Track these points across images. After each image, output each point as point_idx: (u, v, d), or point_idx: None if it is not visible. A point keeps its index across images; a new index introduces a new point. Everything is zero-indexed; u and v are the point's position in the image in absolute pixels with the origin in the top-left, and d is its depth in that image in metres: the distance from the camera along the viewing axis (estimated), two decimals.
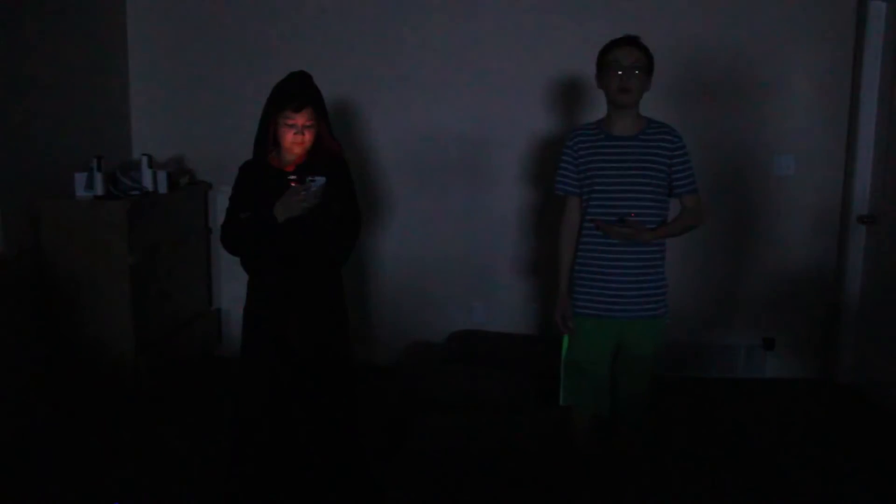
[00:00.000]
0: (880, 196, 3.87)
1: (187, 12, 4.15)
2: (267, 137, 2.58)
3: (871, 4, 3.82)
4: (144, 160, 3.81)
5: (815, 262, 4.12)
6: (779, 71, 3.98)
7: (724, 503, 2.90)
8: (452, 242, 4.19)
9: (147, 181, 3.80)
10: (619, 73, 2.51)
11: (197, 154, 4.27)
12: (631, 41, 2.56)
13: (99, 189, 3.57)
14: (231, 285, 4.32)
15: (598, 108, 3.93)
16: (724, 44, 3.97)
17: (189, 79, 4.20)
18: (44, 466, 3.08)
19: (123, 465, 3.08)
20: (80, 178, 3.58)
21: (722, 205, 4.05)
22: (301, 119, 2.51)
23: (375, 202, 4.16)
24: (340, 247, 2.70)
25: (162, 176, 3.87)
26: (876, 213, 3.90)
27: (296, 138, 2.53)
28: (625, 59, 2.51)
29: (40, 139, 3.56)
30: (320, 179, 2.45)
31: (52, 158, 3.62)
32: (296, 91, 2.53)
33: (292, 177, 2.53)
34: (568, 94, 4.02)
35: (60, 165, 3.63)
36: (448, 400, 3.26)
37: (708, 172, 3.88)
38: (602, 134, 2.62)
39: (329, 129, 2.66)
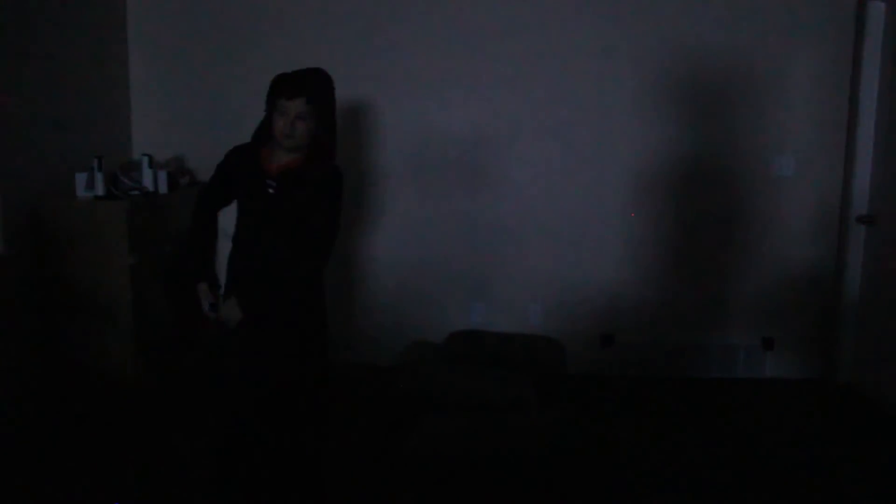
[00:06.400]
0: (880, 196, 3.87)
1: (187, 12, 4.15)
2: (265, 127, 2.50)
3: (870, 4, 3.82)
4: (145, 160, 3.82)
5: (814, 262, 4.12)
6: (779, 71, 3.98)
7: (724, 503, 2.90)
8: (452, 242, 4.19)
9: (147, 181, 3.80)
10: None
11: (197, 154, 4.27)
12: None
13: (99, 189, 3.57)
14: None
15: (599, 109, 3.96)
16: (723, 44, 3.97)
17: (189, 79, 4.20)
18: (44, 467, 3.08)
19: (123, 465, 3.08)
20: (80, 179, 3.58)
21: (721, 205, 4.06)
22: (293, 108, 2.39)
23: (376, 202, 4.16)
24: (310, 263, 2.52)
25: (162, 176, 3.87)
26: (875, 213, 3.90)
27: (285, 128, 2.39)
28: None
29: (41, 139, 3.56)
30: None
31: (52, 158, 3.62)
32: (292, 79, 2.43)
33: (272, 182, 2.46)
34: (569, 95, 4.02)
35: (61, 165, 3.63)
36: (448, 400, 3.26)
37: (708, 172, 3.89)
38: None
39: (334, 138, 2.53)
